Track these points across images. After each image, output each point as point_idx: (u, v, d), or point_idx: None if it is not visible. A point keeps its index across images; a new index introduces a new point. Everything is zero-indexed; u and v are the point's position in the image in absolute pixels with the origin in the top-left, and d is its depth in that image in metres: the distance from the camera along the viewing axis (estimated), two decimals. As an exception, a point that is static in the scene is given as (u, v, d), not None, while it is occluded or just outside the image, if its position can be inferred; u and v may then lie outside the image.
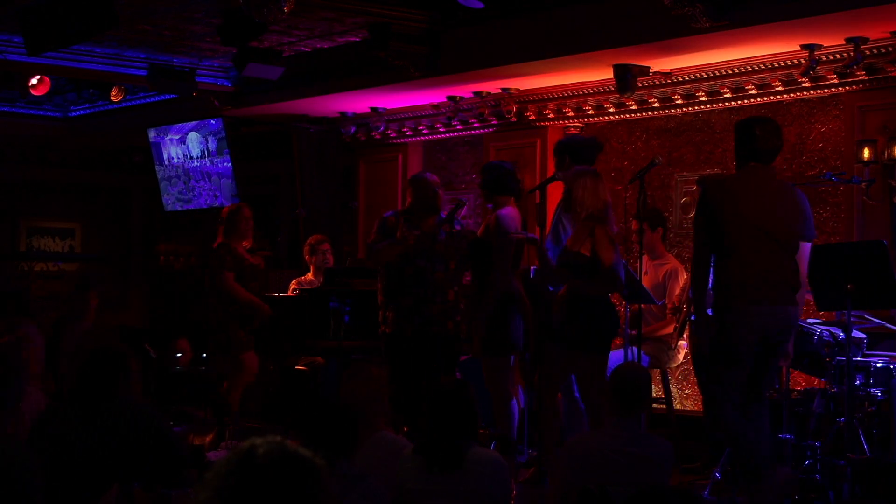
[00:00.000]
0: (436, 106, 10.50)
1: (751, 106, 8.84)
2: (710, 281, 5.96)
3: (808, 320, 7.15)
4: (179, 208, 12.57)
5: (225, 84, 10.99)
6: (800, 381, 8.04)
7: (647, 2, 7.61)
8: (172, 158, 12.44)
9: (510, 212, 7.37)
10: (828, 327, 6.86)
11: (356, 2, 8.57)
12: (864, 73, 7.86)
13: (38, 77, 11.09)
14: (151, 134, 12.58)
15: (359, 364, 5.83)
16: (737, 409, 5.79)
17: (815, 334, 6.84)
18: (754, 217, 5.80)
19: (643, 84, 8.83)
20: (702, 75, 8.69)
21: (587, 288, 6.62)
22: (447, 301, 7.45)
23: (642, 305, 7.66)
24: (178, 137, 12.27)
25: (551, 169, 9.26)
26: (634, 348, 7.12)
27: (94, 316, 10.01)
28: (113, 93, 11.99)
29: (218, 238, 8.45)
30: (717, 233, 5.81)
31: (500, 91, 9.79)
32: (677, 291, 8.01)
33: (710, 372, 5.91)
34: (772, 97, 8.52)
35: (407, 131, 11.07)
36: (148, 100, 12.21)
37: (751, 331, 5.74)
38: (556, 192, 7.79)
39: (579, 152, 7.31)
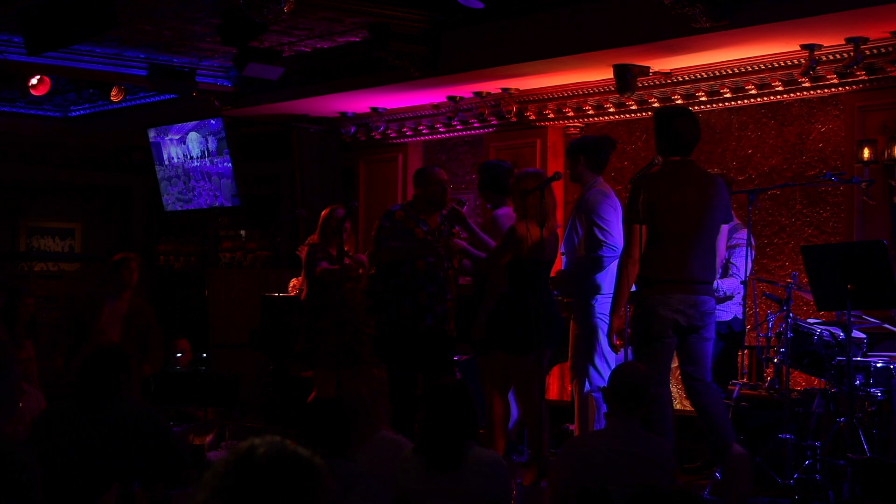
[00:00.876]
0: (436, 106, 10.50)
1: (751, 106, 8.84)
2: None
3: (808, 320, 7.15)
4: (179, 208, 12.56)
5: (225, 84, 10.99)
6: (800, 381, 8.04)
7: (647, 2, 7.61)
8: (172, 158, 12.44)
9: (507, 212, 7.35)
10: (828, 327, 6.86)
11: (356, 2, 8.57)
12: (864, 73, 7.85)
13: (38, 77, 11.09)
14: (151, 134, 12.58)
15: (359, 364, 5.84)
16: (663, 385, 6.11)
17: (815, 334, 6.84)
18: (684, 210, 6.05)
19: (643, 84, 8.83)
20: (702, 75, 8.69)
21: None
22: (453, 299, 7.44)
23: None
24: (178, 137, 12.26)
25: (552, 169, 9.28)
26: (634, 348, 7.12)
27: (132, 291, 9.17)
28: (113, 93, 11.99)
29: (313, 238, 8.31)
30: (650, 227, 6.08)
31: (500, 91, 9.79)
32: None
33: (637, 352, 6.17)
34: (772, 97, 8.52)
35: (407, 131, 11.07)
36: (148, 100, 12.21)
37: (674, 313, 6.03)
38: (557, 193, 7.79)
39: (594, 152, 7.25)
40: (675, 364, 8.25)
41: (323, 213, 8.40)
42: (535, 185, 6.77)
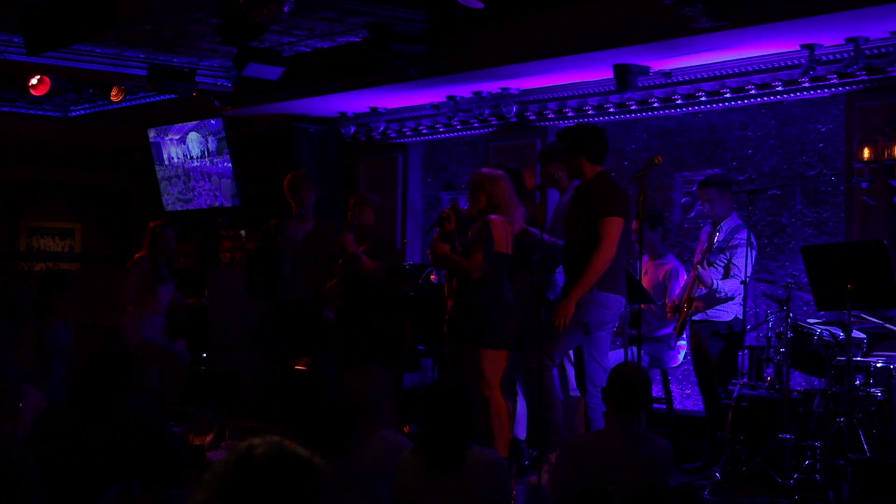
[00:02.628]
0: (436, 106, 10.49)
1: (751, 106, 8.84)
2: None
3: (809, 320, 7.15)
4: (179, 208, 12.56)
5: (225, 84, 10.99)
6: (800, 381, 8.04)
7: (647, 2, 7.60)
8: (172, 158, 12.44)
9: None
10: (828, 327, 6.86)
11: (356, 2, 8.56)
12: (864, 73, 7.85)
13: (38, 77, 11.09)
14: (151, 134, 12.58)
15: (363, 364, 5.83)
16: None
17: (815, 334, 6.84)
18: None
19: (643, 84, 8.83)
20: (702, 75, 8.69)
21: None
22: None
23: (642, 305, 7.66)
24: (178, 137, 12.27)
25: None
26: (634, 348, 7.12)
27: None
28: (113, 93, 11.99)
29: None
30: (595, 231, 6.54)
31: (500, 91, 9.79)
32: (677, 291, 8.01)
33: (577, 338, 6.63)
34: (772, 97, 8.52)
35: (407, 131, 11.07)
36: (148, 100, 12.21)
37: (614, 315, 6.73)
38: (556, 193, 7.80)
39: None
40: (674, 364, 8.27)
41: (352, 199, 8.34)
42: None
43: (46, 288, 8.96)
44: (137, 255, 9.09)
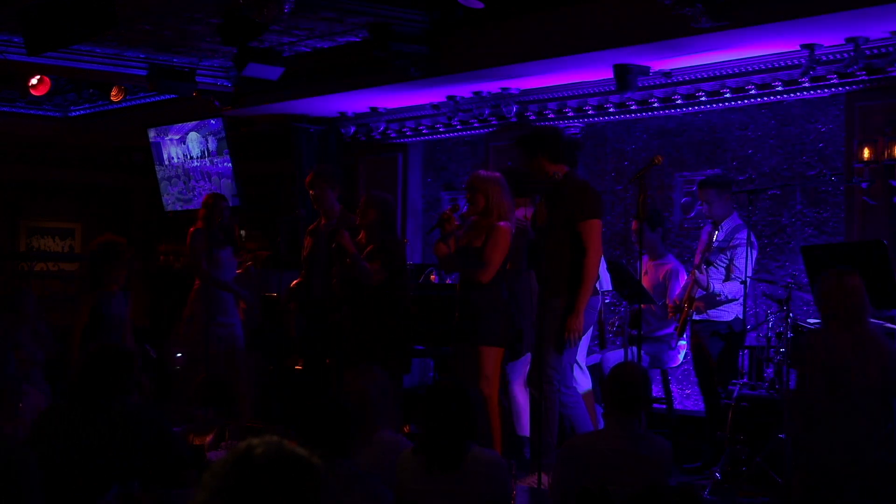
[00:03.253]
0: (436, 106, 10.49)
1: (751, 106, 8.84)
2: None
3: (809, 320, 7.15)
4: (179, 208, 12.56)
5: (225, 84, 10.99)
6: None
7: (647, 2, 7.60)
8: (172, 158, 12.45)
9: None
10: (828, 327, 6.85)
11: (356, 2, 8.56)
12: (864, 73, 7.85)
13: (38, 77, 11.09)
14: (151, 134, 12.58)
15: (363, 365, 5.83)
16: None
17: (815, 334, 6.83)
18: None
19: (643, 84, 8.83)
20: (702, 75, 8.69)
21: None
22: None
23: (642, 305, 7.67)
24: (178, 137, 12.27)
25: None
26: (634, 348, 7.13)
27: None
28: (113, 93, 11.99)
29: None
30: (575, 235, 6.58)
31: (500, 91, 9.79)
32: (677, 291, 8.02)
33: (573, 345, 6.62)
34: (772, 97, 8.52)
35: (407, 131, 11.07)
36: (148, 100, 12.21)
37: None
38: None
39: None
40: (674, 364, 8.27)
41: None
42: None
43: (98, 262, 8.89)
44: (192, 229, 9.10)
